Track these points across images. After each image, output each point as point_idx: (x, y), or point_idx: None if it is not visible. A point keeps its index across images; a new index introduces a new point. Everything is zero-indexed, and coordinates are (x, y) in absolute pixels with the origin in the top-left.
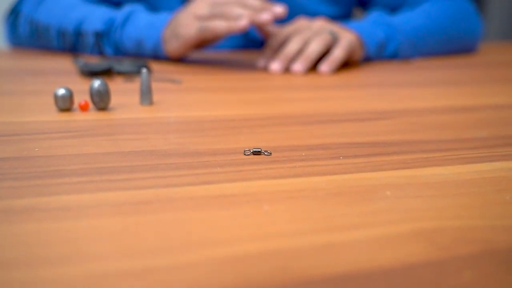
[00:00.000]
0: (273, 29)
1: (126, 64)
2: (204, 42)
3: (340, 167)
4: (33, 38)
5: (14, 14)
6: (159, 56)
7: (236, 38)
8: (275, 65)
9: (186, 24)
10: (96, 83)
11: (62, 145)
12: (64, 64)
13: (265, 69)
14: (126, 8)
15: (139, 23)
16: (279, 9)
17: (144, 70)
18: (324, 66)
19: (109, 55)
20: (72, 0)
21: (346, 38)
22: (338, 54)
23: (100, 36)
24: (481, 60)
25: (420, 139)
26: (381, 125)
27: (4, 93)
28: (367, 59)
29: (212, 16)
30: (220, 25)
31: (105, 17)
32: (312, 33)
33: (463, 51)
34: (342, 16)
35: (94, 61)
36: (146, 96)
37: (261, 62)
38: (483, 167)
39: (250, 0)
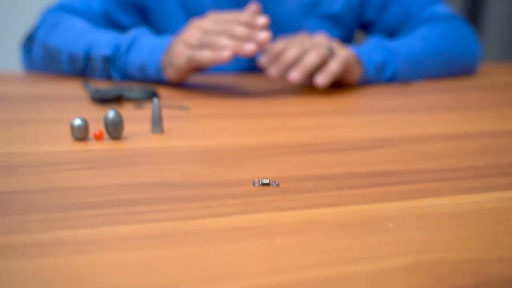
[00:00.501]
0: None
1: (135, 91)
2: (196, 69)
3: (344, 199)
4: (46, 62)
5: (29, 40)
6: (161, 80)
7: (241, 60)
8: (273, 71)
9: (178, 53)
10: (111, 113)
11: (82, 176)
12: (75, 89)
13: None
14: (131, 33)
15: (142, 49)
16: (263, 36)
17: (155, 101)
18: (320, 78)
19: (116, 80)
20: (84, 25)
21: (342, 53)
22: (333, 67)
23: (108, 61)
24: (480, 82)
25: (419, 169)
26: (381, 154)
27: (20, 121)
28: (366, 82)
29: (201, 46)
30: (206, 56)
31: (113, 42)
32: (311, 45)
33: (462, 73)
34: (345, 39)
35: (104, 86)
36: (157, 124)
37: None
38: (480, 197)
39: (237, 29)
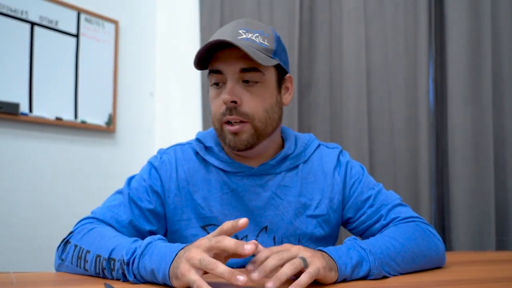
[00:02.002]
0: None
1: None
2: None
3: None
4: (75, 261)
5: (65, 243)
6: (167, 284)
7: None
8: (255, 276)
9: (182, 270)
10: None
11: None
12: None
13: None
14: (146, 240)
15: (153, 256)
16: (249, 247)
17: None
18: None
19: (131, 280)
20: (111, 232)
21: (314, 266)
22: (303, 279)
23: (124, 264)
24: (449, 276)
25: None
26: None
27: None
28: (343, 280)
29: (201, 267)
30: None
31: (130, 248)
32: (289, 255)
33: (430, 267)
34: (331, 235)
35: None
36: None
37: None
38: None
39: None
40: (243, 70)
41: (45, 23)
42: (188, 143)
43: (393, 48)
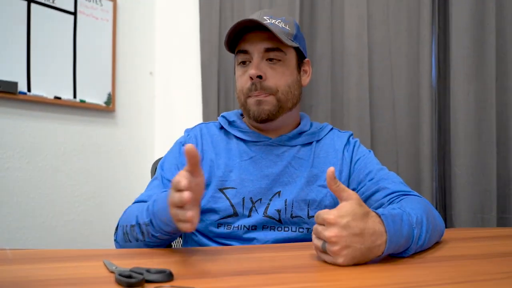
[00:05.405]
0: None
1: (153, 273)
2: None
3: None
4: (122, 238)
5: (116, 227)
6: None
7: (258, 217)
8: None
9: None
10: None
11: None
12: (98, 268)
13: None
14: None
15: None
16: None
17: None
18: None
19: (155, 237)
20: (139, 205)
21: (331, 259)
22: (324, 258)
23: (147, 224)
24: (450, 252)
25: None
26: None
27: None
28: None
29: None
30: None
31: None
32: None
33: (439, 237)
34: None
35: (121, 264)
36: None
37: None
38: None
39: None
40: (267, 50)
41: (42, 0)
42: (212, 122)
43: (395, 24)
